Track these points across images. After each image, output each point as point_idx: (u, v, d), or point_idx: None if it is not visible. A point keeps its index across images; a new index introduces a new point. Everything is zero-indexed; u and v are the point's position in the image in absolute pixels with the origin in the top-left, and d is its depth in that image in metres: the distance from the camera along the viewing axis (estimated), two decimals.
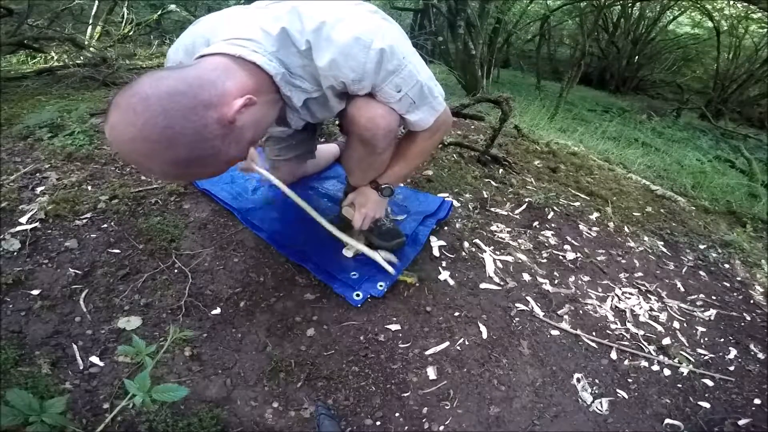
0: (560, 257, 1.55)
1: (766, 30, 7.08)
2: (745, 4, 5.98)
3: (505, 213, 1.70)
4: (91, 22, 3.20)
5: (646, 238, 1.80)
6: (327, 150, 1.65)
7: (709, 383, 1.24)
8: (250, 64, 0.85)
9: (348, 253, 1.32)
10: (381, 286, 1.24)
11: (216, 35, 0.91)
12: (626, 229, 1.82)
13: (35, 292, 1.08)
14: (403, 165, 1.20)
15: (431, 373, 1.09)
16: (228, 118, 0.78)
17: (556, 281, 1.44)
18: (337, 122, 1.71)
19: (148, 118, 0.71)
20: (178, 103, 0.73)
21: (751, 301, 1.60)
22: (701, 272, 1.70)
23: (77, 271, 1.15)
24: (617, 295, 1.46)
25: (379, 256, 1.23)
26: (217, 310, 1.14)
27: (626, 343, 1.29)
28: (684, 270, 1.69)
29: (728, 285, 1.66)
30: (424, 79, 0.99)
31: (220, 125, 0.78)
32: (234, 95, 0.80)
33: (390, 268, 1.23)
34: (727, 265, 1.77)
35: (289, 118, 1.05)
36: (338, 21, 0.88)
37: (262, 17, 0.91)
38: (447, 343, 1.16)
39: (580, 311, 1.35)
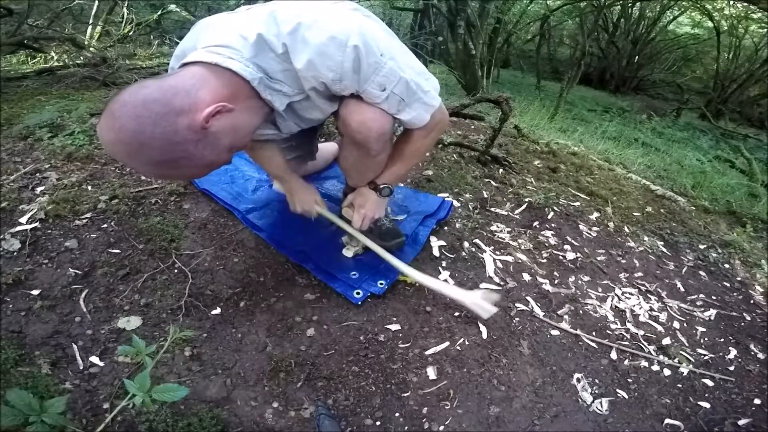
0: (560, 257, 1.55)
1: (766, 30, 7.09)
2: (745, 4, 5.98)
3: (505, 213, 1.70)
4: (91, 22, 3.21)
5: (646, 238, 1.80)
6: (327, 149, 1.65)
7: (709, 383, 1.24)
8: (226, 71, 0.86)
9: (348, 253, 1.32)
10: (381, 284, 1.24)
11: (199, 42, 0.92)
12: (626, 229, 1.82)
13: (35, 292, 1.08)
14: (400, 165, 1.20)
15: (431, 373, 1.09)
16: (198, 125, 0.81)
17: (556, 281, 1.44)
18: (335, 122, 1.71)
19: (123, 123, 0.77)
20: (151, 110, 0.77)
21: (751, 301, 1.60)
22: (701, 272, 1.70)
23: (77, 271, 1.15)
24: (617, 295, 1.46)
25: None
26: (217, 310, 1.14)
27: (626, 343, 1.29)
28: (684, 270, 1.69)
29: (728, 285, 1.66)
30: (410, 75, 0.96)
31: (192, 131, 0.81)
32: (207, 102, 0.82)
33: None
34: (727, 265, 1.77)
35: (278, 123, 1.05)
36: (313, 21, 0.88)
37: (240, 23, 0.92)
38: (447, 343, 1.16)
39: (580, 311, 1.35)
